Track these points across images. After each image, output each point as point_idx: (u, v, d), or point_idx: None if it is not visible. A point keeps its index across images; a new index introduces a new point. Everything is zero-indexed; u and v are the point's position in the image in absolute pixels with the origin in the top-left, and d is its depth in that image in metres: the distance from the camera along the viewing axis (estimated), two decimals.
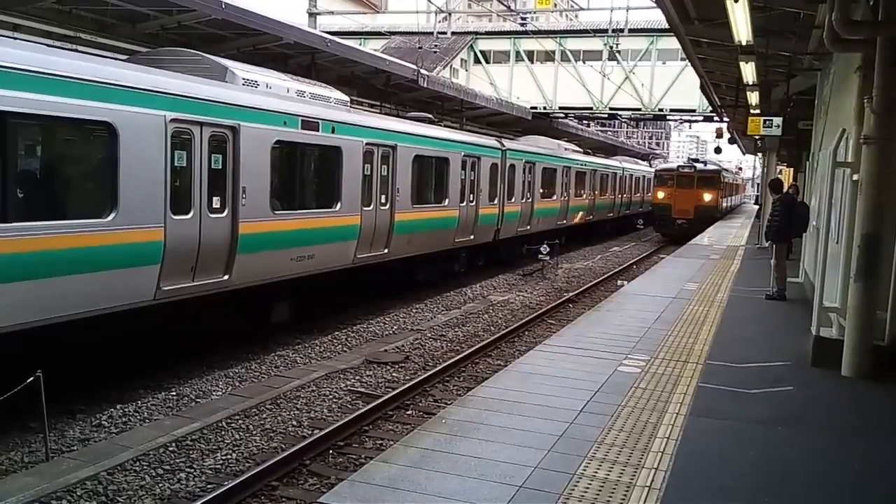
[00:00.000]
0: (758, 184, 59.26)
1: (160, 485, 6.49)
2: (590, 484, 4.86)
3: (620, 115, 36.91)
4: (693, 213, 31.80)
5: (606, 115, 35.78)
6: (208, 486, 6.52)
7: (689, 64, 18.48)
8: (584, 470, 5.09)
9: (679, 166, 34.86)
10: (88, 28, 12.60)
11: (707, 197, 32.55)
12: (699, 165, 34.79)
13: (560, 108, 34.03)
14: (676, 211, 31.98)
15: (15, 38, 9.71)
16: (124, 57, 11.39)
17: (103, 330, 8.59)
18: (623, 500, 4.65)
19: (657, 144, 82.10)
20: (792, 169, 29.93)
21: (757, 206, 34.71)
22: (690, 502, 4.78)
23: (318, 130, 11.85)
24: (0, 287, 7.10)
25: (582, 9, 33.08)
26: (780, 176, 26.33)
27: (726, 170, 45.58)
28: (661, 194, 33.09)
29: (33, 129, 7.90)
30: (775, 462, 5.46)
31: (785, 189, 14.61)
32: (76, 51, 10.70)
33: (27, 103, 7.27)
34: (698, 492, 4.94)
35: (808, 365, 8.15)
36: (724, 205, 40.36)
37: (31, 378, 6.61)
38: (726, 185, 40.45)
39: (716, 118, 30.67)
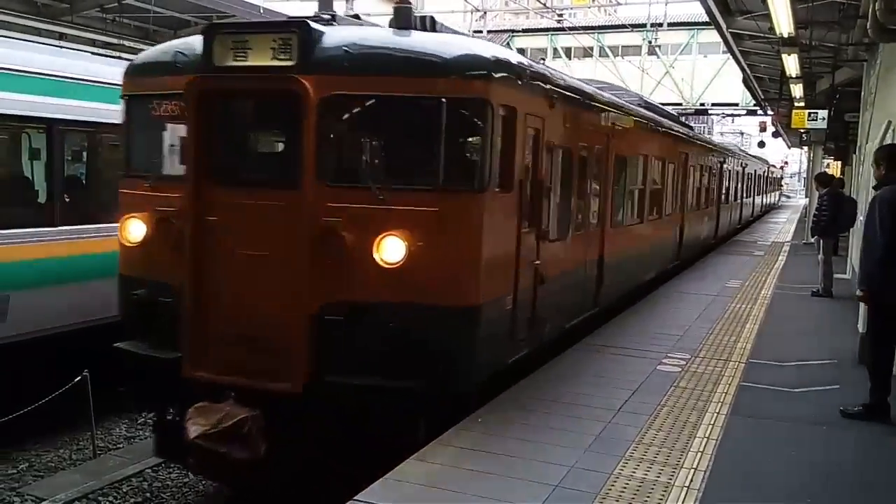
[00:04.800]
0: (804, 178, 57.92)
1: (203, 482, 6.61)
2: (627, 483, 4.82)
3: None
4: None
5: None
6: None
7: (731, 57, 18.17)
8: (622, 469, 5.04)
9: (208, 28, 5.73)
10: (131, 35, 12.90)
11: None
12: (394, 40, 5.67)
13: None
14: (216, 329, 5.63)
15: (61, 47, 9.99)
16: None
17: None
18: (661, 500, 4.60)
19: None
20: (839, 162, 29.03)
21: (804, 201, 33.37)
22: (729, 503, 4.70)
23: None
24: (48, 289, 7.32)
25: (620, 3, 32.78)
26: (827, 170, 25.73)
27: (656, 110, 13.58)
28: (133, 229, 5.85)
29: (79, 136, 8.12)
30: (818, 463, 5.35)
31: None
32: (120, 58, 10.95)
33: (74, 110, 7.48)
34: (738, 492, 4.85)
35: (854, 363, 7.95)
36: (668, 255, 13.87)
37: (79, 377, 6.80)
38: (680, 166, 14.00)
39: (759, 112, 30.07)
